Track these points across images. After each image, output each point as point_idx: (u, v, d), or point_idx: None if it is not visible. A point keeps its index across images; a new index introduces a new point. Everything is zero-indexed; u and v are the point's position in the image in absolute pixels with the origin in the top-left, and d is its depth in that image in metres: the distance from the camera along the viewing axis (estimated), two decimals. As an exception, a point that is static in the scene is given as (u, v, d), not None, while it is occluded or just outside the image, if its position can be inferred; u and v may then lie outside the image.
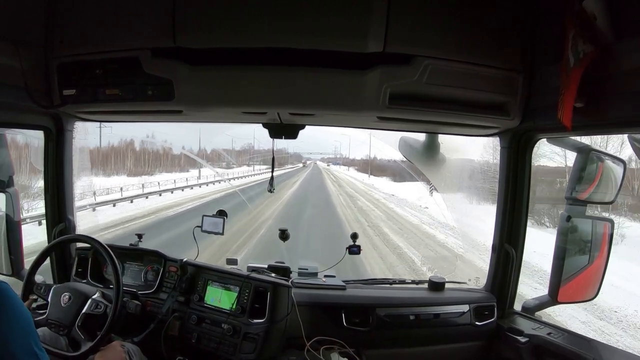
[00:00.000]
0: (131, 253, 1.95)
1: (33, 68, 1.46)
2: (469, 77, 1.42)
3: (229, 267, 1.90)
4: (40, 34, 1.47)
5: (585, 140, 1.70)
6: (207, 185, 23.89)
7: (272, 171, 1.94)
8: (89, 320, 1.52)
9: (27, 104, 1.47)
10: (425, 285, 2.00)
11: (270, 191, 1.96)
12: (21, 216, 1.94)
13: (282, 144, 1.85)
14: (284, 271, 1.94)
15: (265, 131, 1.83)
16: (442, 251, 9.54)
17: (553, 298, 1.71)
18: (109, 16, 1.40)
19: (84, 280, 1.90)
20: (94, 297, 1.57)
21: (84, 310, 1.53)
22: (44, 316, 1.52)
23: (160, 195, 18.38)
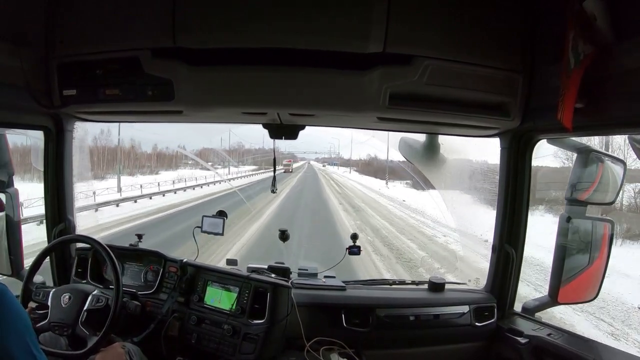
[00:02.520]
0: (131, 253, 1.95)
1: (33, 68, 1.46)
2: (469, 78, 1.42)
3: (228, 268, 1.90)
4: (40, 34, 1.47)
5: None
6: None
7: (274, 171, 2.04)
8: (92, 315, 1.53)
9: (27, 104, 1.47)
10: (425, 286, 2.00)
11: (273, 192, 2.11)
12: (21, 216, 1.94)
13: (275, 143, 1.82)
14: (283, 272, 1.93)
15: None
16: None
17: (553, 299, 1.71)
18: (109, 16, 1.40)
19: (84, 281, 1.90)
20: (94, 293, 1.58)
21: (85, 307, 1.54)
22: (46, 320, 1.52)
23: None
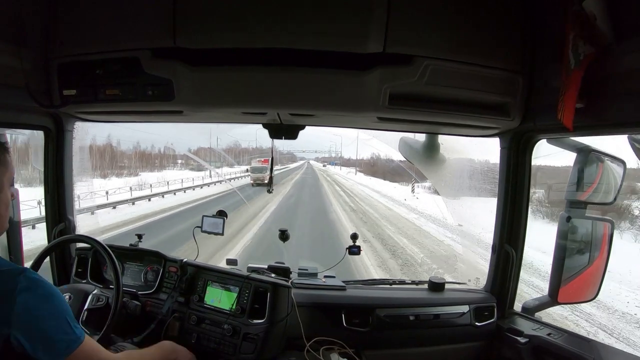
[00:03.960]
0: (131, 253, 1.95)
1: (33, 68, 1.46)
2: (469, 78, 1.42)
3: (228, 268, 1.90)
4: (40, 34, 1.47)
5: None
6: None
7: (272, 171, 2.07)
8: (92, 315, 1.54)
9: (28, 104, 1.47)
10: (425, 286, 2.00)
11: (269, 191, 2.12)
12: (21, 217, 1.94)
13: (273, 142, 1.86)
14: (283, 272, 1.94)
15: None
16: None
17: (553, 298, 1.71)
18: (109, 16, 1.40)
19: (84, 281, 1.90)
20: (94, 292, 1.58)
21: (85, 307, 1.54)
22: None
23: None
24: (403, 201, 17.51)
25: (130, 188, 20.29)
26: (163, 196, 20.42)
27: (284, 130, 1.81)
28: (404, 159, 2.23)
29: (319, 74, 1.37)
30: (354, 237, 2.03)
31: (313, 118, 1.70)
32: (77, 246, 1.99)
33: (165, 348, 1.45)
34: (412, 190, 18.97)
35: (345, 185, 27.18)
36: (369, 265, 8.43)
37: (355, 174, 38.10)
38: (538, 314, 1.85)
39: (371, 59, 1.34)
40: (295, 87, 1.42)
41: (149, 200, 18.91)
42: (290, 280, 1.87)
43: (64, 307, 1.05)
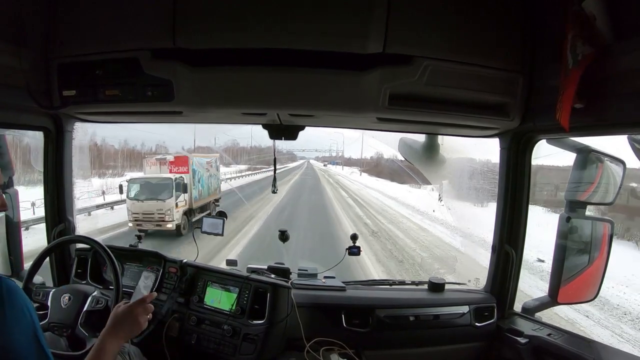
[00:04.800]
0: (131, 254, 1.95)
1: (33, 68, 1.46)
2: (469, 78, 1.42)
3: (228, 268, 1.90)
4: (40, 35, 1.46)
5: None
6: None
7: (275, 171, 2.09)
8: (91, 316, 1.53)
9: (27, 104, 1.47)
10: (425, 287, 2.00)
11: (273, 192, 2.17)
12: (21, 217, 1.94)
13: (269, 141, 1.88)
14: (283, 272, 1.94)
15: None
16: None
17: (553, 299, 1.71)
18: (109, 17, 1.40)
19: (84, 281, 1.90)
20: (93, 294, 1.58)
21: (85, 308, 1.54)
22: (46, 320, 1.52)
23: None
24: (432, 213, 13.64)
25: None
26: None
27: (283, 130, 1.81)
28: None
29: (319, 74, 1.37)
30: (354, 237, 2.03)
31: (313, 118, 1.70)
32: (77, 247, 1.99)
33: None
34: (440, 198, 13.54)
35: (352, 189, 22.26)
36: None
37: (360, 174, 34.23)
38: (538, 314, 1.85)
39: (371, 59, 1.34)
40: (295, 87, 1.42)
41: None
42: (290, 281, 1.87)
43: (37, 328, 1.00)
